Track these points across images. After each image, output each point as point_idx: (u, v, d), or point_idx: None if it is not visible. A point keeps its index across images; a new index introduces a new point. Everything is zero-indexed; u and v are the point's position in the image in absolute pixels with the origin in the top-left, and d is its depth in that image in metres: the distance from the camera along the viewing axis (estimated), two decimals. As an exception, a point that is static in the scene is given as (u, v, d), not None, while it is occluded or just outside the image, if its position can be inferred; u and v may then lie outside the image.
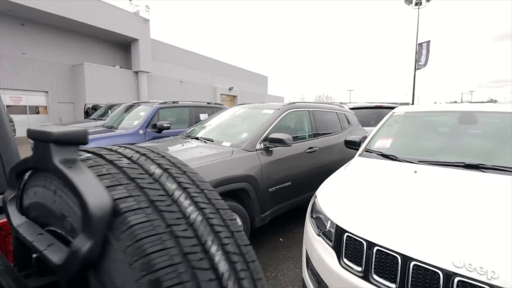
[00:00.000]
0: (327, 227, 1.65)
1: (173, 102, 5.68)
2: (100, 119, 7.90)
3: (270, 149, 2.98)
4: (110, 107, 9.13)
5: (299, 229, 3.47)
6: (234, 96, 27.64)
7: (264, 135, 3.02)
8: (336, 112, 4.35)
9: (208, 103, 6.39)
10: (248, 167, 2.72)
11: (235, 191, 2.69)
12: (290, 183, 3.14)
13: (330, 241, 1.57)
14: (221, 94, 25.92)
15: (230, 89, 26.92)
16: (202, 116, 5.96)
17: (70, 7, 14.57)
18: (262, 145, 2.94)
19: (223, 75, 27.47)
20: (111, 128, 5.21)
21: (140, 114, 5.24)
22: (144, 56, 19.78)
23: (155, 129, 5.00)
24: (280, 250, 2.97)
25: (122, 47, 19.74)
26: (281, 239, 3.22)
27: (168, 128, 5.01)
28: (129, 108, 6.10)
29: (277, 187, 3.00)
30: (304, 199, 3.45)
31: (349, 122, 4.52)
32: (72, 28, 16.52)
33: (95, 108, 11.95)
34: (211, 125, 3.82)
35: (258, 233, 3.21)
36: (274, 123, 3.20)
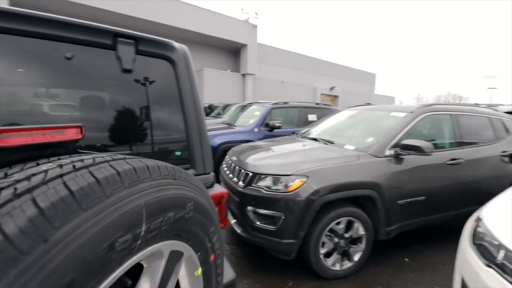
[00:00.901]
0: (500, 257, 1.36)
1: (284, 103, 5.97)
2: (218, 117, 9.16)
3: (401, 156, 2.70)
4: (225, 106, 10.45)
5: (429, 252, 3.00)
6: (335, 96, 26.52)
7: (395, 140, 2.77)
8: (489, 117, 3.51)
9: (316, 104, 6.39)
10: (376, 174, 2.56)
11: (357, 198, 2.59)
12: (424, 197, 2.76)
13: (510, 275, 1.29)
14: (321, 94, 25.41)
15: (331, 88, 25.99)
16: (311, 117, 6.01)
17: (193, 20, 17.50)
18: (392, 152, 2.70)
19: (325, 74, 26.81)
20: (230, 125, 5.98)
21: (255, 113, 5.76)
22: (251, 60, 21.58)
23: (268, 127, 5.39)
24: (406, 272, 2.66)
25: (232, 52, 22.24)
26: (406, 259, 2.88)
27: (279, 127, 5.31)
28: (243, 108, 6.82)
29: (408, 200, 2.69)
30: (440, 219, 2.96)
31: (507, 130, 3.57)
32: (193, 39, 19.79)
33: (210, 107, 13.95)
34: (327, 127, 3.80)
35: (379, 246, 2.97)
36: (407, 127, 2.88)
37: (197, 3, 17.50)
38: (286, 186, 2.37)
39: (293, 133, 5.13)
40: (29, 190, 0.43)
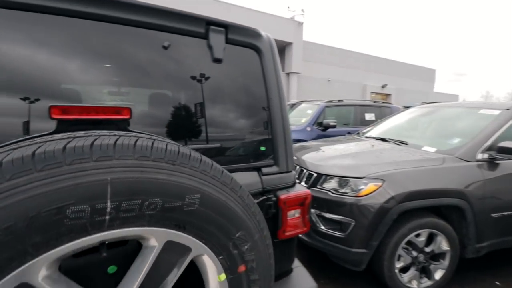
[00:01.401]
0: None
1: (339, 101, 5.67)
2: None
3: (496, 161, 2.30)
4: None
5: (530, 278, 2.51)
6: (387, 95, 24.74)
7: (489, 142, 2.37)
8: None
9: (374, 102, 5.95)
10: (465, 180, 2.21)
11: (440, 208, 2.27)
12: (527, 212, 2.30)
13: None
14: (371, 92, 23.92)
15: (383, 86, 24.34)
16: (368, 116, 5.61)
17: (239, 21, 17.81)
18: (485, 155, 2.31)
19: (375, 71, 25.18)
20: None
21: (307, 112, 5.57)
22: (296, 58, 21.27)
23: (321, 127, 5.17)
24: (501, 299, 2.25)
25: (278, 51, 22.16)
26: (497, 283, 2.45)
27: (334, 126, 5.05)
28: (292, 106, 6.67)
29: (504, 213, 2.28)
30: (548, 239, 2.45)
31: None
32: (242, 40, 20.15)
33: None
34: (395, 126, 3.46)
35: (464, 265, 2.58)
36: (504, 127, 2.44)
37: (243, 4, 17.83)
38: (357, 190, 2.18)
39: (349, 133, 4.83)
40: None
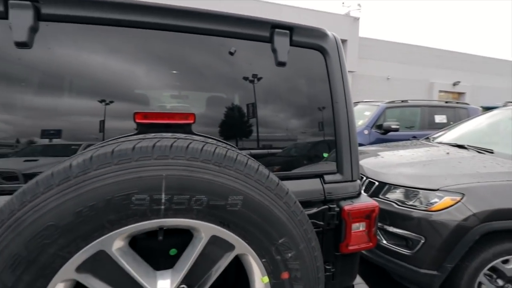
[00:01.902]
0: None
1: (402, 101, 5.19)
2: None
3: None
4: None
5: None
6: (460, 93, 21.85)
7: None
8: None
9: (446, 102, 5.28)
10: None
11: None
12: None
13: None
14: (439, 91, 21.40)
15: (454, 84, 21.57)
16: (438, 118, 5.01)
17: (292, 21, 17.66)
18: None
19: (445, 66, 22.44)
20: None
21: (365, 114, 5.23)
22: (351, 56, 20.24)
23: (381, 130, 4.79)
24: None
25: (330, 49, 21.37)
26: None
27: (396, 130, 4.63)
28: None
29: None
30: None
31: None
32: (294, 40, 19.99)
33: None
34: (475, 131, 3.00)
35: None
36: None
37: (294, 3, 17.69)
38: (428, 203, 1.94)
39: (414, 137, 4.38)
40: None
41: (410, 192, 2.06)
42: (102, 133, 0.86)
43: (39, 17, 0.87)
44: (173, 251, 0.78)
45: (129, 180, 0.58)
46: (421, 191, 2.00)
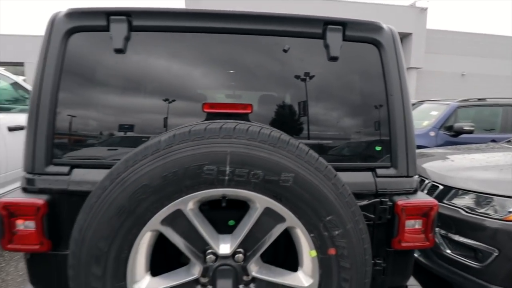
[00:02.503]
0: None
1: (479, 99, 4.59)
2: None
3: None
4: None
5: None
6: (562, 91, 18.11)
7: None
8: None
9: (538, 100, 4.49)
10: None
11: None
12: None
13: None
14: (531, 88, 18.08)
15: (552, 79, 18.01)
16: (527, 120, 4.29)
17: (352, 15, 16.89)
18: None
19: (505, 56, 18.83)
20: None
21: (431, 114, 4.78)
22: (416, 51, 18.51)
23: (450, 131, 4.32)
24: None
25: (392, 45, 19.84)
26: None
27: (470, 132, 4.12)
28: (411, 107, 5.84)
29: None
30: None
31: None
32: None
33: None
34: None
35: None
36: None
37: (355, -2, 16.95)
38: (505, 212, 1.73)
39: (493, 140, 3.85)
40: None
41: (482, 198, 1.86)
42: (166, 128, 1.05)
43: (131, 28, 1.09)
44: (231, 222, 0.91)
45: (202, 153, 0.72)
46: (496, 197, 1.79)
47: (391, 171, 1.17)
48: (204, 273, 0.81)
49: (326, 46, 1.14)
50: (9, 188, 2.99)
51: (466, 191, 1.93)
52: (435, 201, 1.16)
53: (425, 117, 4.85)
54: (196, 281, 0.83)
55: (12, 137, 2.96)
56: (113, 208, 0.71)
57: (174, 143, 0.72)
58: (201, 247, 0.80)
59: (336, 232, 0.77)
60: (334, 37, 1.13)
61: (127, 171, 0.71)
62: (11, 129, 2.95)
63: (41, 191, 1.06)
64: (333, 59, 1.14)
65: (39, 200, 1.02)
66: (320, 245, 0.79)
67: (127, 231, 0.73)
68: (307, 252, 0.80)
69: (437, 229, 2.02)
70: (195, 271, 0.80)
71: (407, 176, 1.18)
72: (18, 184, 3.34)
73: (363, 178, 1.14)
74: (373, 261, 0.96)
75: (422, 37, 18.09)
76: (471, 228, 1.84)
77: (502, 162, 2.21)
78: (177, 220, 0.77)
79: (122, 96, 1.12)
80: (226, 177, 0.73)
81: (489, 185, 1.88)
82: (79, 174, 1.06)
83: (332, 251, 0.78)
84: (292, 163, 0.75)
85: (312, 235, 0.78)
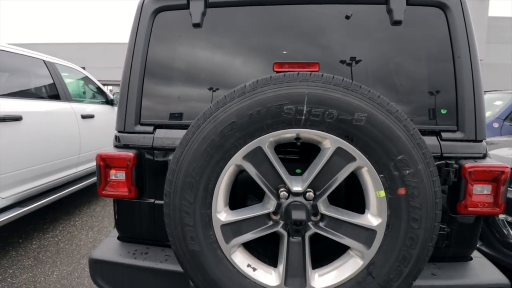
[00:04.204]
0: None
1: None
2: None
3: None
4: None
5: None
6: None
7: None
8: None
9: None
10: None
11: None
12: None
13: None
14: None
15: None
16: None
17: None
18: None
19: None
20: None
21: (495, 104, 4.36)
22: (476, 41, 16.69)
23: (518, 123, 3.90)
24: None
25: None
26: None
27: (543, 123, 3.68)
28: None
29: None
30: None
31: None
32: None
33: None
34: None
35: None
36: None
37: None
38: None
39: None
40: None
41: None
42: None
43: (207, 5, 1.25)
44: (298, 171, 1.00)
45: (282, 94, 0.82)
46: None
47: (458, 135, 1.16)
48: (277, 209, 0.90)
49: (389, 11, 1.17)
50: (82, 167, 3.47)
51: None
52: (507, 166, 1.12)
53: (488, 108, 4.44)
54: (268, 216, 0.93)
55: (84, 124, 3.41)
56: (205, 142, 0.84)
57: (257, 86, 0.83)
58: (276, 184, 0.90)
59: (407, 172, 0.81)
60: (397, 2, 1.16)
61: (218, 111, 0.84)
62: (83, 116, 3.40)
63: (130, 147, 1.27)
64: (397, 23, 1.17)
65: (129, 153, 1.22)
66: (389, 185, 0.83)
67: (215, 163, 0.86)
68: (375, 193, 0.85)
69: (503, 216, 1.89)
70: (269, 206, 0.91)
71: (475, 141, 1.16)
72: (90, 165, 3.80)
73: (428, 141, 1.15)
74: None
75: (483, 26, 16.33)
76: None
77: None
78: (257, 156, 0.87)
79: (198, 64, 1.28)
80: (303, 117, 0.82)
81: None
82: (161, 133, 1.25)
83: (402, 191, 0.82)
84: (365, 104, 0.81)
85: (381, 175, 0.83)
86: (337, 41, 1.24)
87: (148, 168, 1.29)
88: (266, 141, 0.86)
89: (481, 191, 1.14)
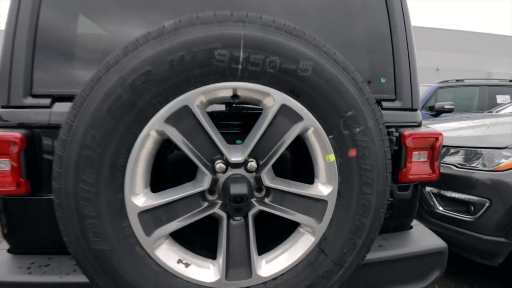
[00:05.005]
0: None
1: (457, 81, 4.80)
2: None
3: None
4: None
5: None
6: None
7: None
8: None
9: (510, 81, 4.77)
10: None
11: None
12: None
13: None
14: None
15: (517, 73, 19.29)
16: (501, 99, 4.55)
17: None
18: None
19: (505, 54, 20.17)
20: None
21: (413, 95, 4.93)
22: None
23: (432, 111, 4.48)
24: None
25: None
26: None
27: (450, 111, 4.29)
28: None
29: None
30: None
31: None
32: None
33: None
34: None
35: None
36: None
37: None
38: (493, 164, 1.79)
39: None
40: None
41: (472, 153, 1.91)
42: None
43: None
44: (239, 141, 0.83)
45: (213, 35, 0.64)
46: (485, 150, 1.85)
47: (396, 103, 1.15)
48: (212, 186, 0.73)
49: None
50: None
51: (457, 148, 1.98)
52: (440, 132, 1.15)
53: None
54: (203, 196, 0.75)
55: None
56: (108, 99, 0.61)
57: (180, 26, 0.63)
58: (210, 154, 0.72)
59: (357, 130, 0.72)
60: None
61: (126, 57, 0.62)
62: None
63: (18, 126, 0.94)
64: None
65: (16, 134, 0.90)
66: (339, 147, 0.73)
67: (125, 129, 0.64)
68: (324, 159, 0.74)
69: (429, 188, 2.06)
70: (203, 183, 0.72)
71: (412, 109, 1.17)
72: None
73: None
74: None
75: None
76: (462, 182, 1.88)
77: (488, 122, 2.30)
78: (184, 119, 0.68)
79: (111, 14, 1.01)
80: (240, 66, 0.65)
81: (478, 140, 1.94)
82: (62, 106, 0.95)
83: (352, 152, 0.73)
84: (311, 51, 0.69)
85: (331, 136, 0.73)
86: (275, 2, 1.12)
87: (44, 153, 0.97)
88: (195, 99, 0.67)
89: (418, 159, 1.15)
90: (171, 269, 0.71)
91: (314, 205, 0.76)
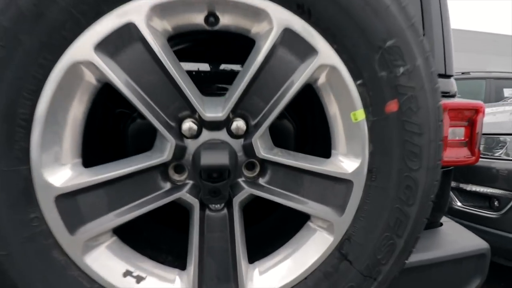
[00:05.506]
0: None
1: (463, 73, 4.62)
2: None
3: None
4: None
5: None
6: (522, 83, 19.57)
7: None
8: None
9: (517, 74, 4.60)
10: None
11: None
12: None
13: None
14: (496, 81, 19.37)
15: (515, 72, 19.36)
16: (508, 92, 4.38)
17: None
18: None
19: (504, 53, 20.23)
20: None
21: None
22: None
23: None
24: None
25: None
26: None
27: (455, 103, 4.09)
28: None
29: None
30: None
31: None
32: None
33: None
34: None
35: None
36: None
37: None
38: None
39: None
40: None
41: (494, 141, 1.70)
42: None
43: None
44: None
45: None
46: (509, 138, 1.64)
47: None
48: (178, 157, 0.47)
49: None
50: None
51: (478, 136, 1.77)
52: (482, 103, 0.93)
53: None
54: (164, 173, 0.49)
55: None
56: None
57: None
58: (174, 108, 0.46)
59: (401, 70, 0.47)
60: None
61: None
62: None
63: None
64: None
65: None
66: (371, 97, 0.48)
67: (26, 55, 0.38)
68: (348, 118, 0.49)
69: (445, 181, 1.84)
70: (163, 152, 0.47)
71: (445, 76, 0.95)
72: None
73: None
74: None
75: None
76: (484, 174, 1.68)
77: (510, 108, 2.09)
78: (127, 46, 0.42)
79: None
80: None
81: (501, 126, 1.74)
82: None
83: (393, 106, 0.47)
84: None
85: (359, 81, 0.47)
86: None
87: None
88: (144, 12, 0.41)
89: (453, 137, 0.92)
90: (112, 286, 0.46)
91: (333, 188, 0.50)
